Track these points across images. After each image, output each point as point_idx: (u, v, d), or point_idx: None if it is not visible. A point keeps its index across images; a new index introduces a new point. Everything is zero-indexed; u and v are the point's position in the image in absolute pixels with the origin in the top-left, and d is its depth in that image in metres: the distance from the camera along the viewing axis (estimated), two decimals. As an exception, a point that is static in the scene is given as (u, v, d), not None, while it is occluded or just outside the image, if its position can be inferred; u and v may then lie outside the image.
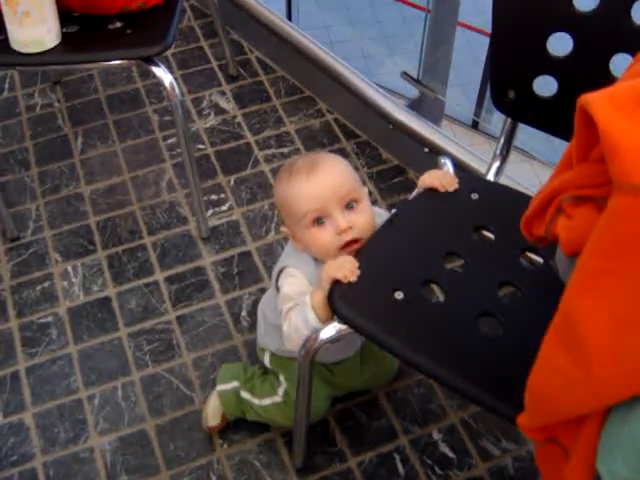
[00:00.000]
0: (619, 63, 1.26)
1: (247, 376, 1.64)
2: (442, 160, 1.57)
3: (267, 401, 1.60)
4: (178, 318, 1.88)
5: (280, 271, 1.41)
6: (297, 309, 1.31)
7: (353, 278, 1.25)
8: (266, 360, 1.61)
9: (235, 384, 1.64)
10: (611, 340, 0.73)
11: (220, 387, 1.65)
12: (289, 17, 4.36)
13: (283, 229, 1.41)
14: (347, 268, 1.25)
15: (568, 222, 0.80)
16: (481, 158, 1.94)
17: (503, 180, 1.53)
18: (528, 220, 0.89)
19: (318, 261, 1.36)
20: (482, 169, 1.87)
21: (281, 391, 1.57)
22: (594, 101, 0.67)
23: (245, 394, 1.62)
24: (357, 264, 1.26)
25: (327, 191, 1.31)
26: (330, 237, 1.32)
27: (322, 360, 1.53)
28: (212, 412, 1.66)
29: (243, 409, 1.64)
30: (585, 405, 0.82)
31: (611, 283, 0.71)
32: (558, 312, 0.79)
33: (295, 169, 1.34)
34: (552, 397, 0.86)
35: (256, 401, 1.61)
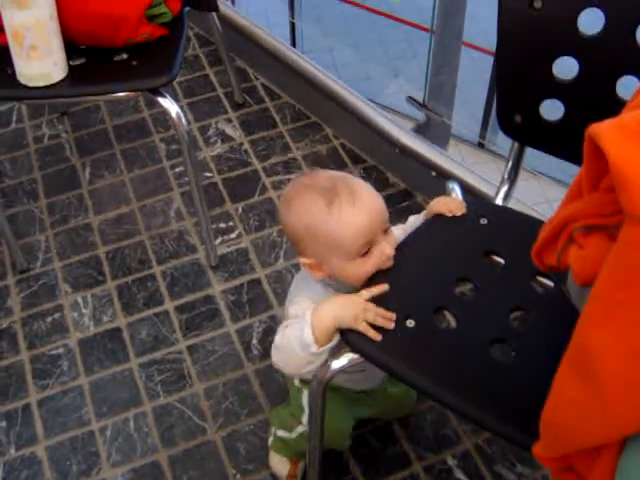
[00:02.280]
0: (625, 86, 1.26)
1: (280, 416, 1.62)
2: (450, 185, 1.57)
3: (294, 434, 1.56)
4: (189, 347, 1.88)
5: (292, 301, 1.34)
6: (295, 323, 1.24)
7: (378, 338, 1.20)
8: (296, 381, 1.52)
9: (273, 430, 1.64)
10: (626, 372, 0.72)
11: (269, 441, 1.66)
12: (293, 40, 4.39)
13: (304, 260, 1.28)
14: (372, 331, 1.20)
15: (580, 252, 0.79)
16: (489, 181, 1.94)
17: (512, 201, 1.53)
18: (539, 249, 0.89)
19: (328, 289, 1.32)
20: (490, 192, 1.87)
21: (305, 418, 1.53)
22: (603, 132, 0.67)
23: (280, 432, 1.60)
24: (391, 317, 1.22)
25: (376, 219, 1.24)
26: (373, 266, 1.26)
27: (349, 387, 1.49)
28: (276, 466, 1.64)
29: (291, 446, 1.61)
30: (601, 436, 0.81)
31: (625, 314, 0.71)
32: (572, 343, 0.78)
33: (336, 198, 1.21)
34: (567, 428, 0.85)
35: (289, 435, 1.58)
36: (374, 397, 1.57)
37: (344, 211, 1.21)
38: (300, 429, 1.54)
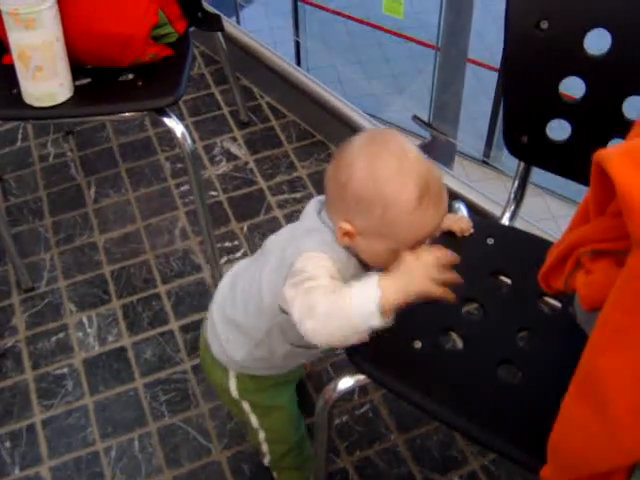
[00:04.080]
0: (632, 106, 1.26)
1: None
2: (456, 205, 1.57)
3: (264, 447, 1.51)
4: (194, 367, 1.87)
5: (296, 252, 1.15)
6: (349, 289, 1.06)
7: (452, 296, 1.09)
8: (232, 386, 1.39)
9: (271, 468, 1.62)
10: (634, 397, 0.72)
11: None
12: (298, 58, 4.41)
13: (346, 226, 1.11)
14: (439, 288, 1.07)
15: (587, 278, 0.79)
16: (495, 200, 1.94)
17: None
18: (546, 273, 0.89)
19: (351, 257, 1.17)
20: (495, 211, 1.87)
21: (255, 423, 1.44)
22: (611, 158, 0.67)
23: (265, 461, 1.58)
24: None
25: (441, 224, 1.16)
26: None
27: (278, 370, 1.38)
28: None
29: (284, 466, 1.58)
30: (610, 461, 0.81)
31: (633, 339, 0.71)
32: (579, 368, 0.78)
33: (426, 196, 1.09)
34: (576, 452, 0.84)
35: (267, 457, 1.55)
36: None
37: (429, 211, 1.09)
38: (262, 435, 1.48)
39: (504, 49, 1.33)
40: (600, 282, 0.77)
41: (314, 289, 1.08)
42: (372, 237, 1.12)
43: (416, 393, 1.20)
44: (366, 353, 1.22)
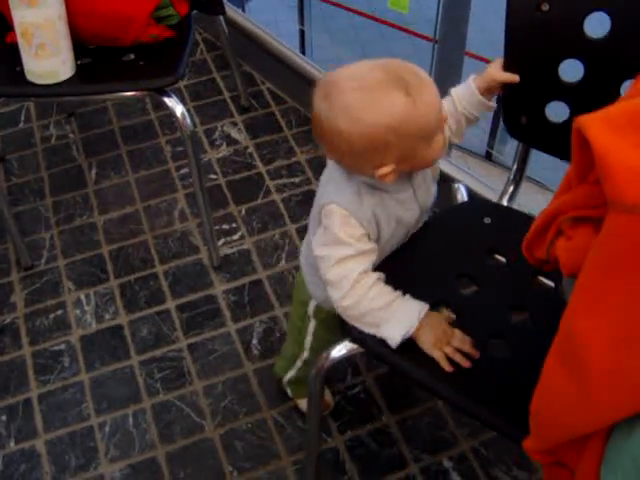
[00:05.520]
0: (630, 88, 1.27)
1: (283, 359, 1.70)
2: (455, 185, 1.59)
3: (299, 362, 1.60)
4: (189, 346, 1.89)
5: (323, 207, 1.21)
6: (395, 299, 1.20)
7: (466, 364, 1.19)
8: (312, 304, 1.45)
9: (284, 381, 1.72)
10: (610, 359, 0.74)
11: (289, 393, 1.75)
12: (302, 51, 4.41)
13: (384, 170, 1.14)
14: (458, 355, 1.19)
15: (567, 243, 0.81)
16: (491, 187, 1.95)
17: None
18: (529, 242, 0.90)
19: (367, 194, 1.20)
20: (493, 197, 1.88)
21: (308, 343, 1.53)
22: (589, 124, 0.69)
23: (289, 375, 1.67)
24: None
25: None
26: (442, 140, 1.18)
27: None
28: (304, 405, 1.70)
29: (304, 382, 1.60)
30: (587, 425, 0.82)
31: (609, 302, 0.72)
32: (559, 333, 0.80)
33: (408, 86, 1.09)
34: (554, 418, 0.86)
35: (296, 370, 1.64)
36: None
37: (422, 94, 1.10)
38: (304, 355, 1.57)
39: (505, 30, 1.34)
40: (580, 248, 0.78)
41: (345, 262, 1.19)
42: (414, 151, 1.14)
43: (407, 364, 1.22)
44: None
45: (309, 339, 1.53)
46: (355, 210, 1.19)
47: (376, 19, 6.07)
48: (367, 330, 1.21)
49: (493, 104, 1.36)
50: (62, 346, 1.91)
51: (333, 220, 1.19)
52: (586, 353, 0.76)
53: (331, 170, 1.25)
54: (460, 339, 1.20)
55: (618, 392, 0.76)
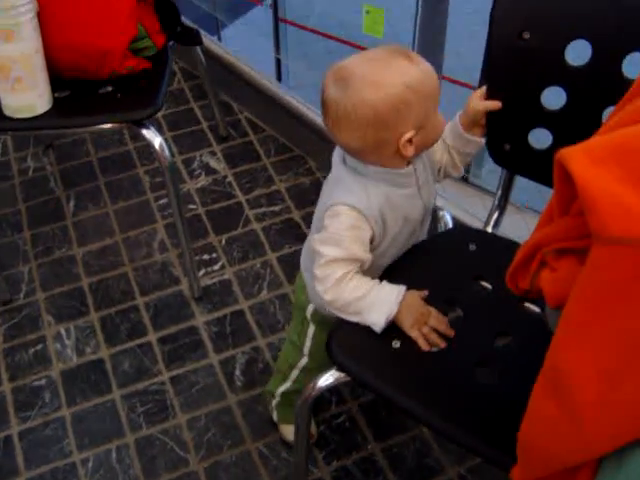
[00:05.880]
0: (612, 115, 1.29)
1: (279, 365, 1.67)
2: (440, 213, 1.60)
3: (296, 371, 1.59)
4: (172, 379, 1.88)
5: (330, 207, 1.25)
6: (373, 286, 1.25)
7: (442, 344, 1.25)
8: (310, 308, 1.47)
9: (274, 403, 1.71)
10: (598, 391, 0.74)
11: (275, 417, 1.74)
12: (279, 77, 4.43)
13: (407, 136, 1.18)
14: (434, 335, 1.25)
15: (552, 275, 0.81)
16: (475, 215, 1.96)
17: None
18: (513, 273, 0.90)
19: (375, 190, 1.24)
20: (477, 223, 1.89)
21: (306, 349, 1.53)
22: (571, 156, 0.69)
23: (282, 387, 1.65)
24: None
25: None
26: (442, 117, 1.25)
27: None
28: (291, 436, 1.66)
29: (289, 403, 1.64)
30: (576, 456, 0.82)
31: (595, 335, 0.72)
32: (545, 364, 0.80)
33: (409, 54, 1.17)
34: (543, 448, 0.86)
35: (288, 383, 1.62)
36: None
37: (421, 60, 1.18)
38: (303, 362, 1.56)
39: (487, 58, 1.35)
40: (564, 279, 0.79)
41: (333, 263, 1.23)
42: (427, 116, 1.19)
43: (393, 391, 1.21)
44: (345, 351, 1.25)
45: (308, 344, 1.52)
46: (364, 209, 1.22)
47: (351, 44, 6.11)
48: (351, 319, 1.25)
49: (482, 141, 1.38)
50: (43, 381, 1.88)
51: (340, 221, 1.23)
52: (574, 385, 0.75)
53: (338, 172, 1.29)
54: (436, 318, 1.25)
55: (608, 424, 0.76)
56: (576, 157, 0.69)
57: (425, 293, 1.29)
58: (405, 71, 1.15)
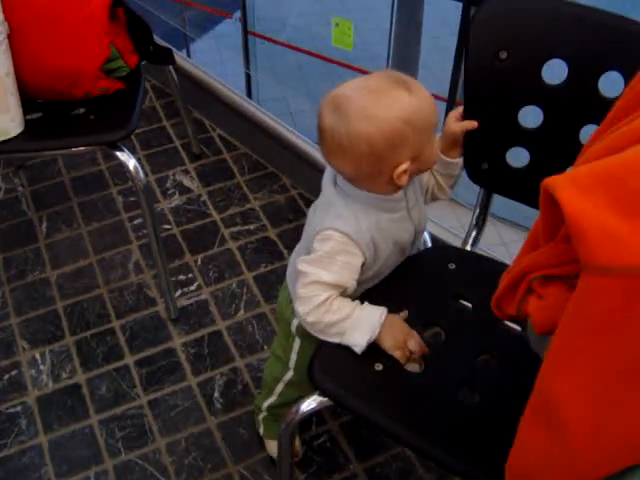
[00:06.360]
0: (588, 134, 1.29)
1: (265, 381, 1.65)
2: None
3: (280, 386, 1.57)
4: (150, 402, 1.85)
5: (320, 232, 1.25)
6: (355, 308, 1.25)
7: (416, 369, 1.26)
8: (293, 325, 1.45)
9: (260, 417, 1.71)
10: (589, 419, 0.73)
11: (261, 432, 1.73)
12: (249, 91, 4.42)
13: (402, 168, 1.18)
14: (413, 355, 1.25)
15: (539, 302, 0.81)
16: (453, 232, 1.96)
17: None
18: (498, 299, 0.90)
19: (365, 215, 1.24)
20: (455, 241, 1.89)
21: (292, 362, 1.51)
22: (558, 185, 0.69)
23: (268, 401, 1.63)
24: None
25: None
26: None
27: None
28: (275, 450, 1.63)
29: (275, 418, 1.65)
30: (568, 482, 0.82)
31: (585, 363, 0.72)
32: (535, 391, 0.79)
33: (407, 83, 1.17)
34: (533, 476, 0.85)
35: (274, 397, 1.61)
36: None
37: (421, 90, 1.17)
38: (288, 376, 1.54)
39: (465, 78, 1.35)
40: (552, 306, 0.78)
41: (318, 285, 1.22)
42: (423, 146, 1.19)
43: (376, 415, 1.21)
44: (328, 375, 1.24)
45: (294, 358, 1.51)
46: (355, 234, 1.22)
47: (321, 57, 6.12)
48: (332, 340, 1.25)
49: (459, 162, 1.38)
50: (18, 408, 1.85)
51: (331, 245, 1.22)
52: (565, 413, 0.75)
53: (328, 196, 1.28)
54: (417, 343, 1.25)
55: (599, 450, 0.75)
56: (563, 186, 0.69)
57: (405, 314, 1.29)
58: (403, 105, 1.15)
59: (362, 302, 1.28)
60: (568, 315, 0.72)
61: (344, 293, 1.26)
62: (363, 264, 1.25)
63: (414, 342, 1.25)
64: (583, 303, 0.70)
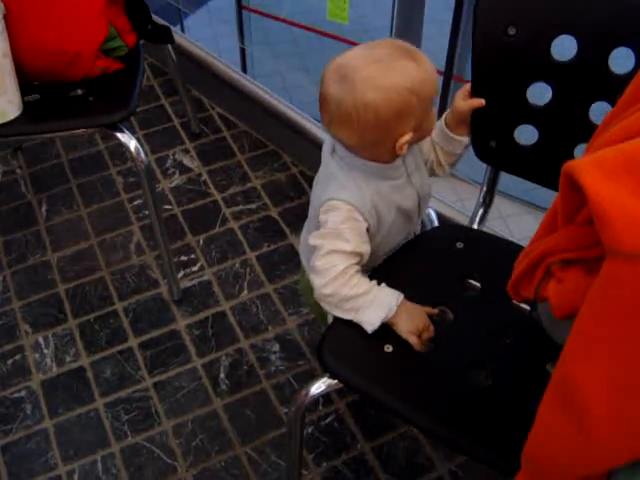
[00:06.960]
0: (598, 111, 1.27)
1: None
2: (426, 211, 1.58)
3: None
4: (155, 385, 1.85)
5: (324, 203, 1.26)
6: (373, 286, 1.25)
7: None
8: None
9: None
10: (611, 406, 0.72)
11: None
12: (244, 66, 4.39)
13: (405, 138, 1.19)
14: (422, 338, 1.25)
15: (559, 286, 0.80)
16: (459, 210, 1.94)
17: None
18: (515, 282, 0.89)
19: (366, 184, 1.25)
20: (462, 220, 1.88)
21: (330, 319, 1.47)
22: (582, 169, 0.67)
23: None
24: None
25: None
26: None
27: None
28: None
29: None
30: (586, 468, 0.81)
31: (607, 350, 0.71)
32: (555, 377, 0.78)
33: (412, 53, 1.17)
34: (552, 459, 0.84)
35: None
36: None
37: (424, 60, 1.18)
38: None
39: (472, 55, 1.33)
40: (571, 290, 0.77)
41: (334, 255, 1.22)
42: (426, 115, 1.21)
43: (387, 396, 1.21)
44: (338, 357, 1.24)
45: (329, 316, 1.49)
46: (358, 202, 1.23)
47: (316, 31, 6.07)
48: (344, 316, 1.25)
49: (466, 140, 1.37)
50: (23, 393, 1.84)
51: (337, 214, 1.23)
52: (585, 399, 0.74)
53: (328, 168, 1.29)
54: (430, 336, 1.26)
55: (619, 437, 0.74)
56: (587, 170, 0.67)
57: (434, 311, 1.29)
58: (409, 74, 1.15)
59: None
60: (590, 301, 0.71)
61: (361, 262, 1.25)
62: (368, 230, 1.25)
63: (428, 336, 1.25)
64: (607, 289, 0.69)
